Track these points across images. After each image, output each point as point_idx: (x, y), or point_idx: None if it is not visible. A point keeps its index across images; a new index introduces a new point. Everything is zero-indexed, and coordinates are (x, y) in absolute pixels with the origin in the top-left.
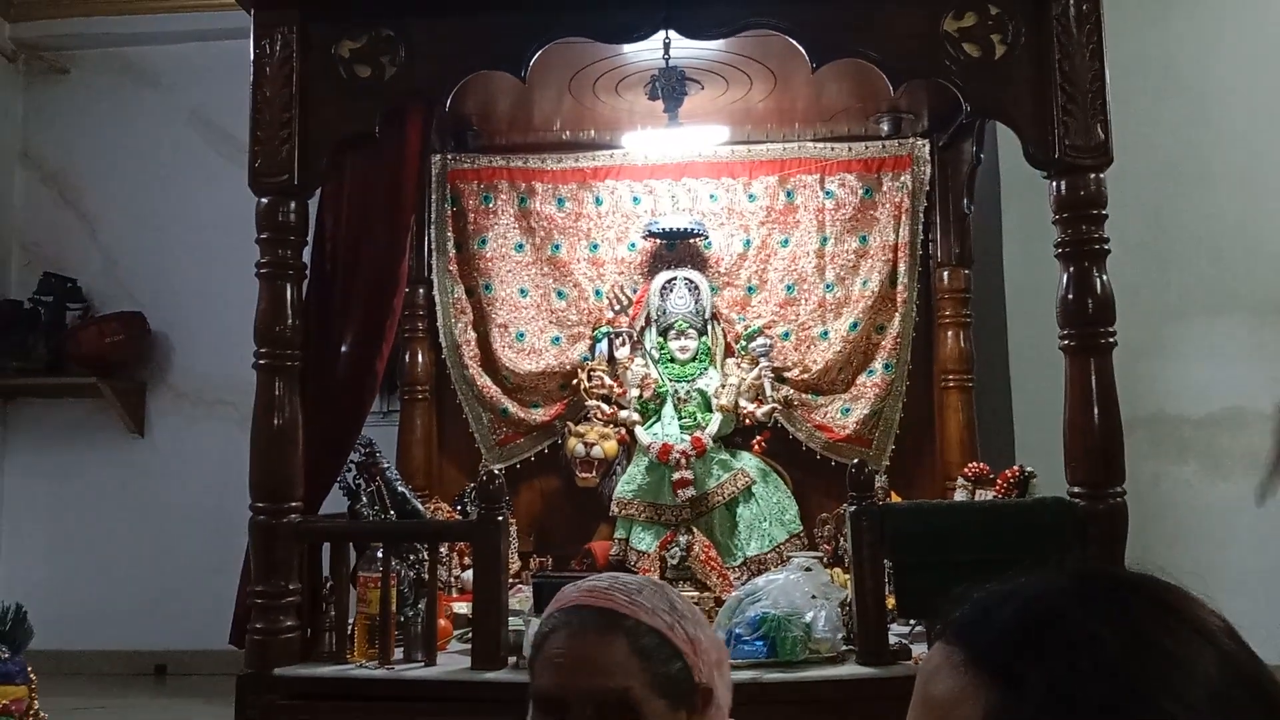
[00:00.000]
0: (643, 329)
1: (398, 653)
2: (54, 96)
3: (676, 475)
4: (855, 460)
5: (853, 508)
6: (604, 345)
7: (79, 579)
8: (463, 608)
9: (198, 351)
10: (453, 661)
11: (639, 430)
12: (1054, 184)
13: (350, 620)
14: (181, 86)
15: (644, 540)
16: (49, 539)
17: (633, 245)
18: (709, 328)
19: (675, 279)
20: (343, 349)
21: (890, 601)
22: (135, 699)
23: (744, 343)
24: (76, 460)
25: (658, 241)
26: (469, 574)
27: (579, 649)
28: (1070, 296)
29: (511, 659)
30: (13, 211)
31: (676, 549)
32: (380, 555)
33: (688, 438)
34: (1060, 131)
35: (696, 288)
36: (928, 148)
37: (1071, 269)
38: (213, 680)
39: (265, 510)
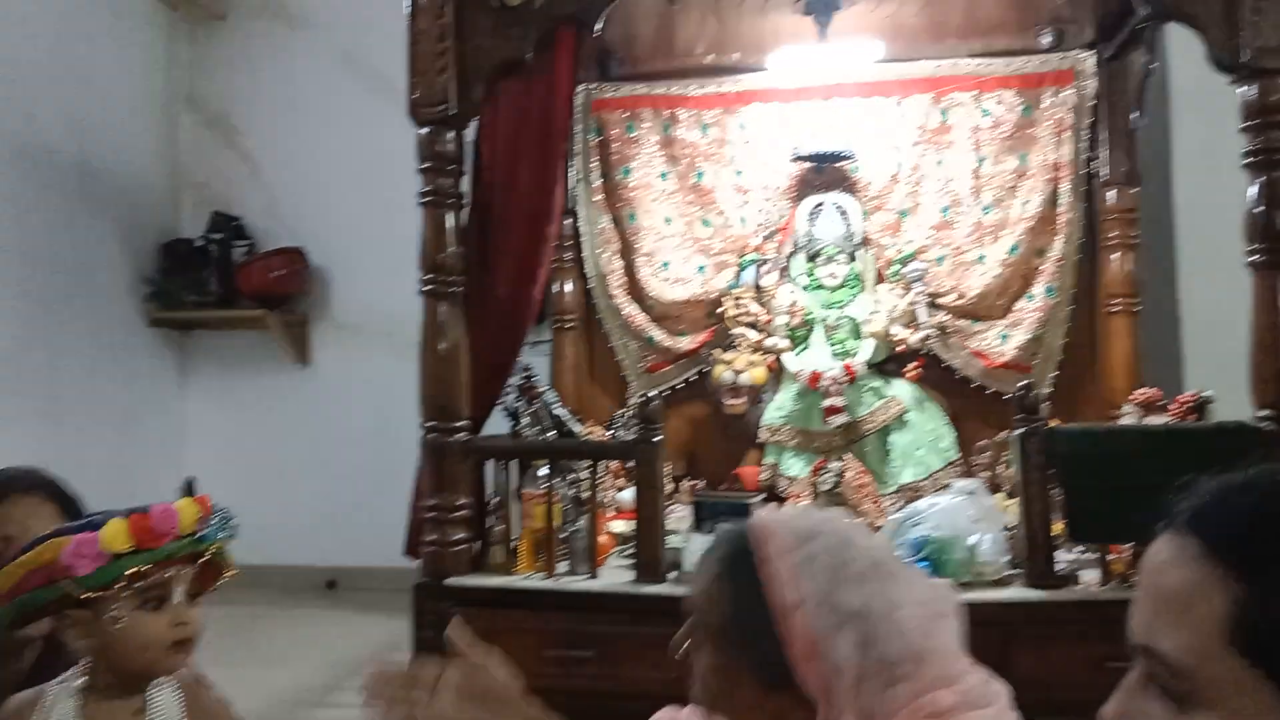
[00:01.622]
0: (790, 255)
1: (561, 566)
2: (213, 42)
3: (827, 402)
4: (1022, 383)
5: (1020, 430)
6: (750, 272)
7: (255, 498)
8: (620, 526)
9: (355, 285)
10: (613, 575)
11: (787, 357)
12: (1241, 89)
13: (515, 536)
14: (333, 28)
15: (794, 466)
16: (227, 461)
17: (779, 170)
18: (859, 253)
19: (823, 203)
20: (501, 275)
21: (1057, 527)
22: (309, 611)
23: (896, 268)
24: (248, 388)
25: (805, 165)
26: (624, 494)
27: (697, 577)
28: (1259, 209)
29: (671, 574)
30: (181, 154)
31: (829, 475)
32: (543, 474)
33: (839, 364)
34: (1249, 33)
35: (845, 212)
36: (1092, 60)
37: (1261, 180)
38: (379, 595)
39: (435, 429)
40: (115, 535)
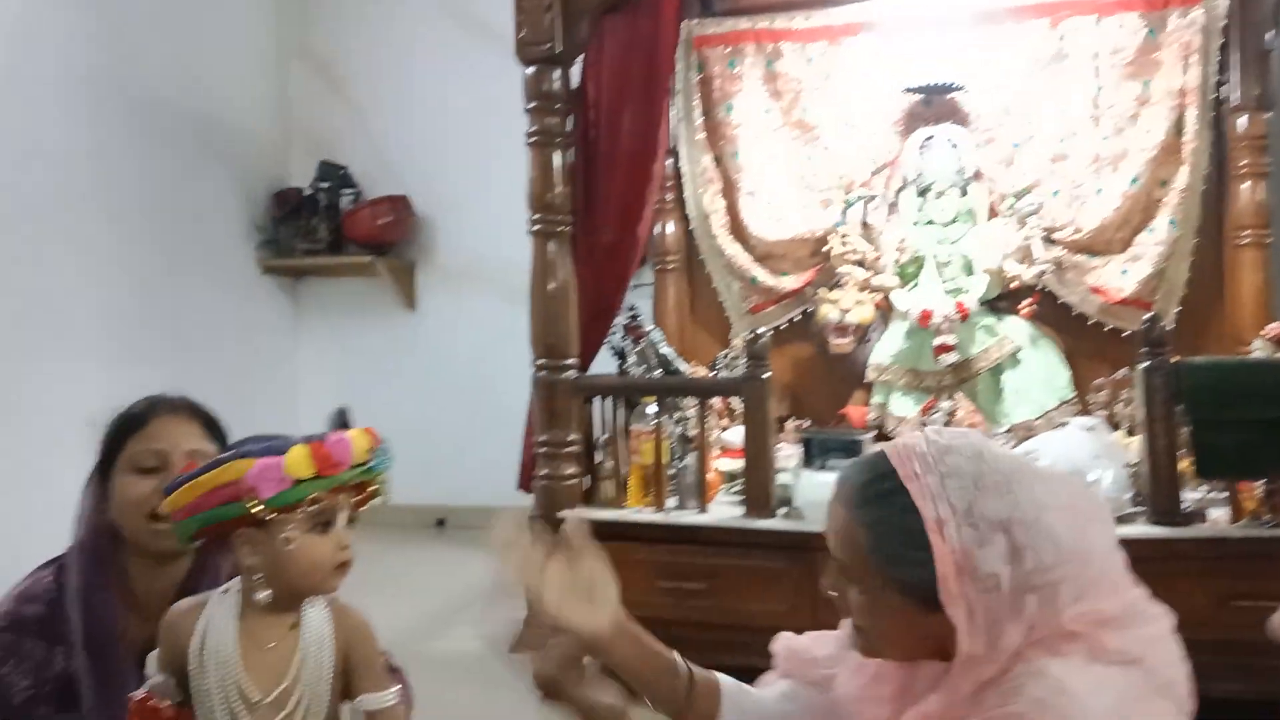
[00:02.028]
0: (899, 191)
1: (670, 502)
2: None
3: (938, 340)
4: (1147, 315)
5: (1145, 364)
6: (857, 209)
7: None
8: (727, 464)
9: (459, 232)
10: (722, 511)
11: (896, 295)
12: None
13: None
14: None
15: (903, 406)
16: (338, 403)
17: (887, 103)
18: (970, 187)
19: (934, 136)
20: (607, 214)
21: (1183, 464)
22: (419, 548)
23: (1010, 202)
24: (357, 333)
25: (914, 98)
26: (728, 434)
27: (835, 510)
28: None
29: (781, 510)
30: (290, 104)
31: (939, 414)
32: (651, 411)
33: (950, 302)
34: None
35: (956, 145)
36: None
37: None
38: (486, 533)
39: (545, 367)
40: (299, 461)
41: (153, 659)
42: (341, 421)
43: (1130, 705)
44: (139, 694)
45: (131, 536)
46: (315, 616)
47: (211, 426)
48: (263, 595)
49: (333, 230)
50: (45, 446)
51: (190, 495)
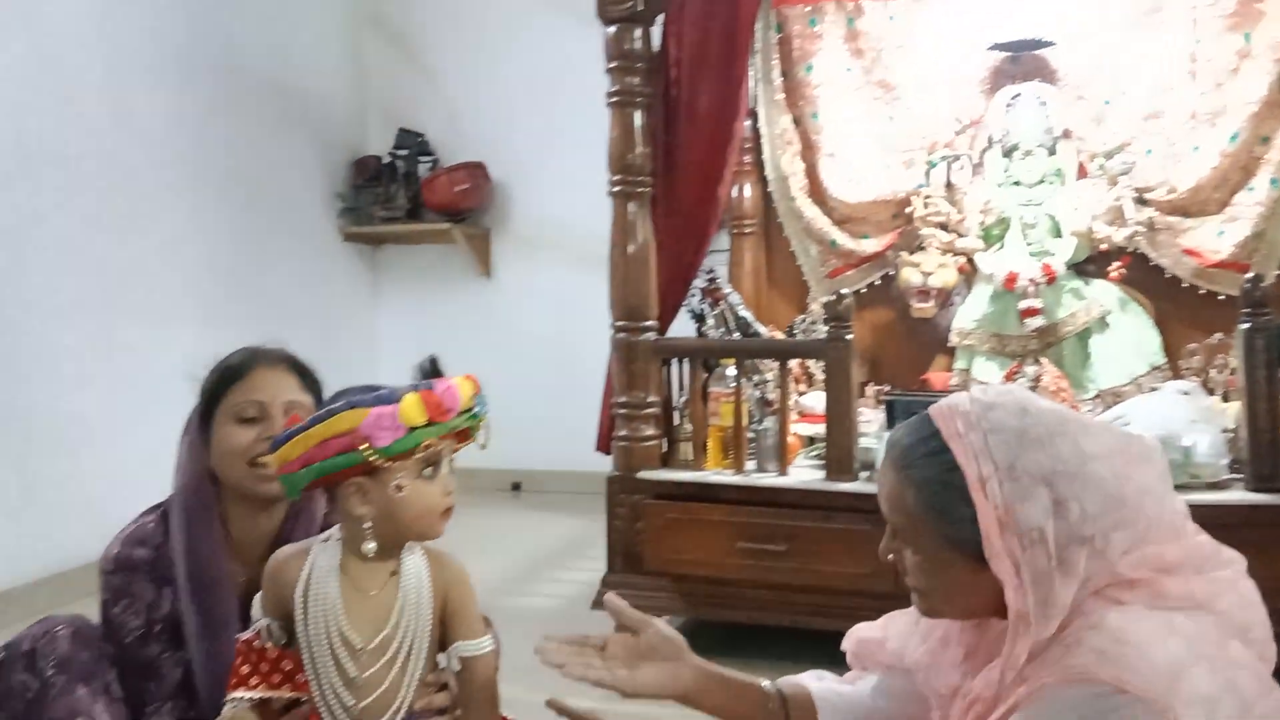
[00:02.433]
0: (984, 151)
1: (748, 465)
2: None
3: (1024, 304)
4: (1249, 276)
5: (1246, 325)
6: (940, 170)
7: None
8: (805, 429)
9: (534, 198)
10: (802, 474)
11: (981, 258)
12: None
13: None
14: None
15: (987, 371)
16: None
17: (971, 61)
18: (1059, 146)
19: (1021, 94)
20: (687, 175)
21: None
22: (496, 511)
23: (1100, 161)
24: (435, 299)
25: (1000, 55)
26: (807, 398)
27: (885, 474)
28: None
29: (863, 474)
30: (367, 72)
31: (1024, 379)
32: (730, 373)
33: (1036, 265)
34: None
35: (1045, 103)
36: None
37: None
38: (560, 496)
39: (625, 328)
40: (412, 409)
41: (258, 602)
42: (432, 368)
43: (1202, 650)
44: (245, 635)
45: (232, 483)
46: (414, 564)
47: (308, 379)
48: (369, 545)
49: (411, 198)
50: (139, 403)
51: (302, 447)
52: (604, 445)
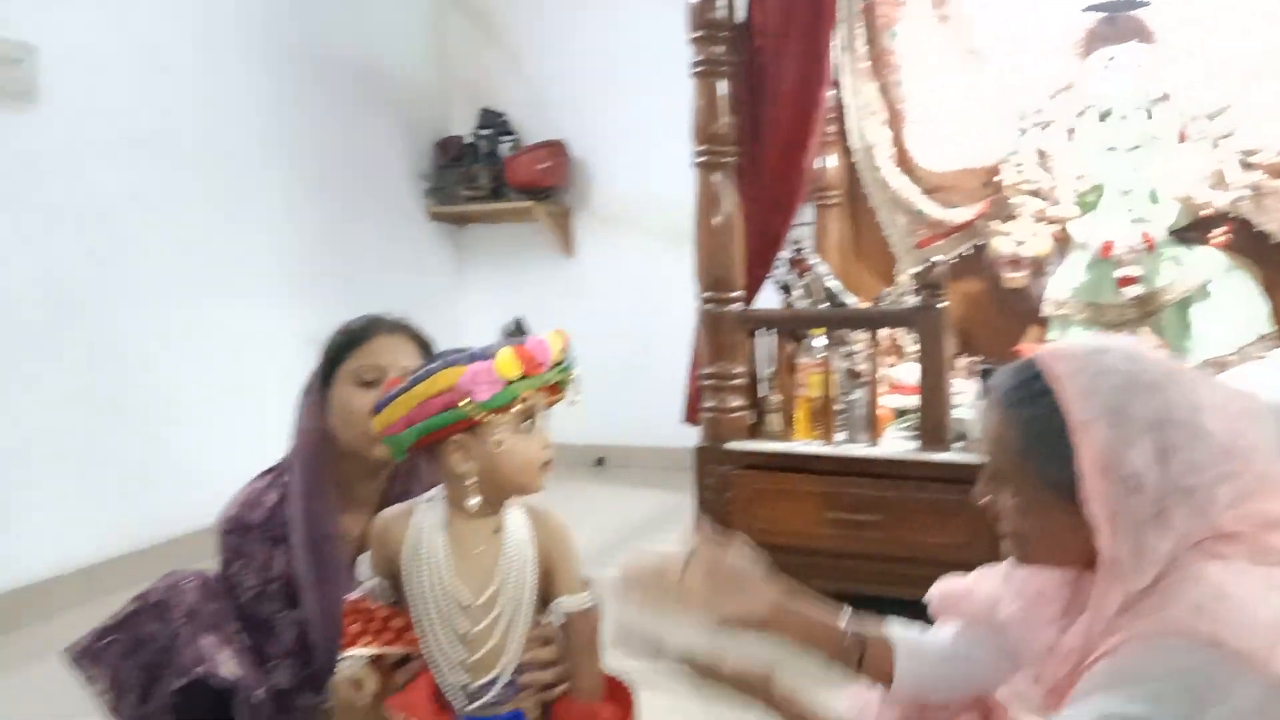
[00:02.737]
0: (1078, 115)
1: (838, 436)
2: None
3: (1121, 272)
4: None
5: None
6: (1032, 136)
7: None
8: (894, 400)
9: (615, 175)
10: (893, 445)
11: (1076, 226)
12: None
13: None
14: None
15: None
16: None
17: (1064, 23)
18: (1157, 109)
19: (1116, 57)
20: (773, 144)
21: None
22: (580, 485)
23: (1202, 124)
24: (518, 278)
25: (1095, 16)
26: (896, 370)
27: (987, 417)
28: None
29: (957, 444)
30: (450, 53)
31: None
32: (818, 344)
33: (1135, 232)
34: None
35: (1142, 65)
36: None
37: None
38: (644, 471)
39: (712, 299)
40: (508, 363)
41: (364, 562)
42: (517, 328)
43: None
44: (354, 596)
45: (349, 445)
46: (516, 521)
47: (425, 348)
48: (473, 501)
49: (494, 177)
50: (237, 379)
51: (405, 408)
52: (692, 416)
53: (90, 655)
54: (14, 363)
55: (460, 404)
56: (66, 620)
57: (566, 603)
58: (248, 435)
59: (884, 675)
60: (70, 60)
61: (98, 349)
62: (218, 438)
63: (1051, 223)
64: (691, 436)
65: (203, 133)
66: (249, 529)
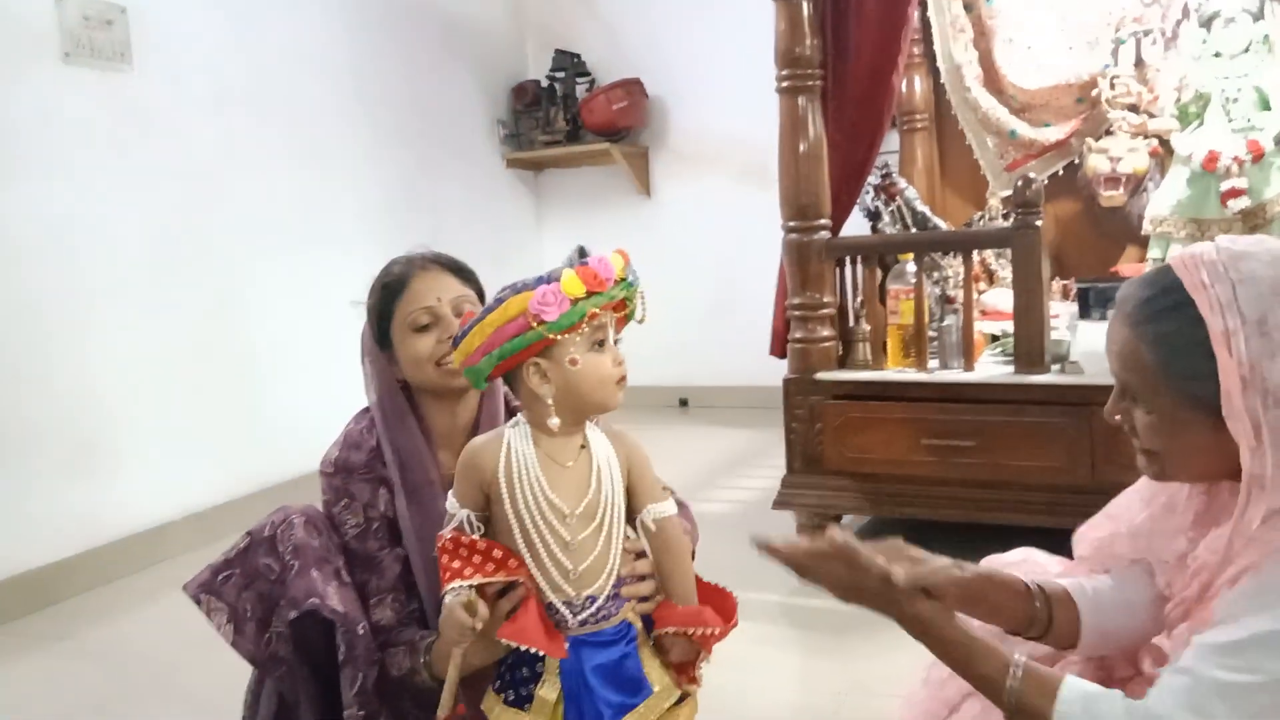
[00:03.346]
0: (1178, 23)
1: (931, 363)
2: None
3: (1226, 184)
4: None
5: None
6: (1129, 47)
7: None
8: (988, 326)
9: (692, 113)
10: (989, 369)
11: (1177, 139)
12: None
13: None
14: None
15: None
16: None
17: None
18: (1267, 9)
19: None
20: (858, 64)
21: None
22: (667, 427)
23: None
24: (596, 221)
25: None
26: (988, 296)
27: (1113, 328)
28: None
29: (1054, 367)
30: None
31: None
32: (909, 269)
33: (1241, 141)
34: None
35: None
36: None
37: None
38: (726, 411)
39: (797, 228)
40: (573, 282)
41: (451, 498)
42: (581, 255)
43: None
44: (446, 532)
45: (425, 386)
46: (598, 438)
47: (463, 272)
48: (553, 421)
49: (570, 120)
50: (329, 327)
51: (480, 338)
52: (778, 349)
53: (209, 589)
54: (121, 315)
55: (533, 327)
56: (184, 561)
57: (654, 509)
58: (344, 382)
59: (1070, 639)
60: (160, 21)
61: (199, 301)
62: (317, 384)
63: (1150, 137)
64: (775, 375)
65: (289, 88)
66: (351, 470)
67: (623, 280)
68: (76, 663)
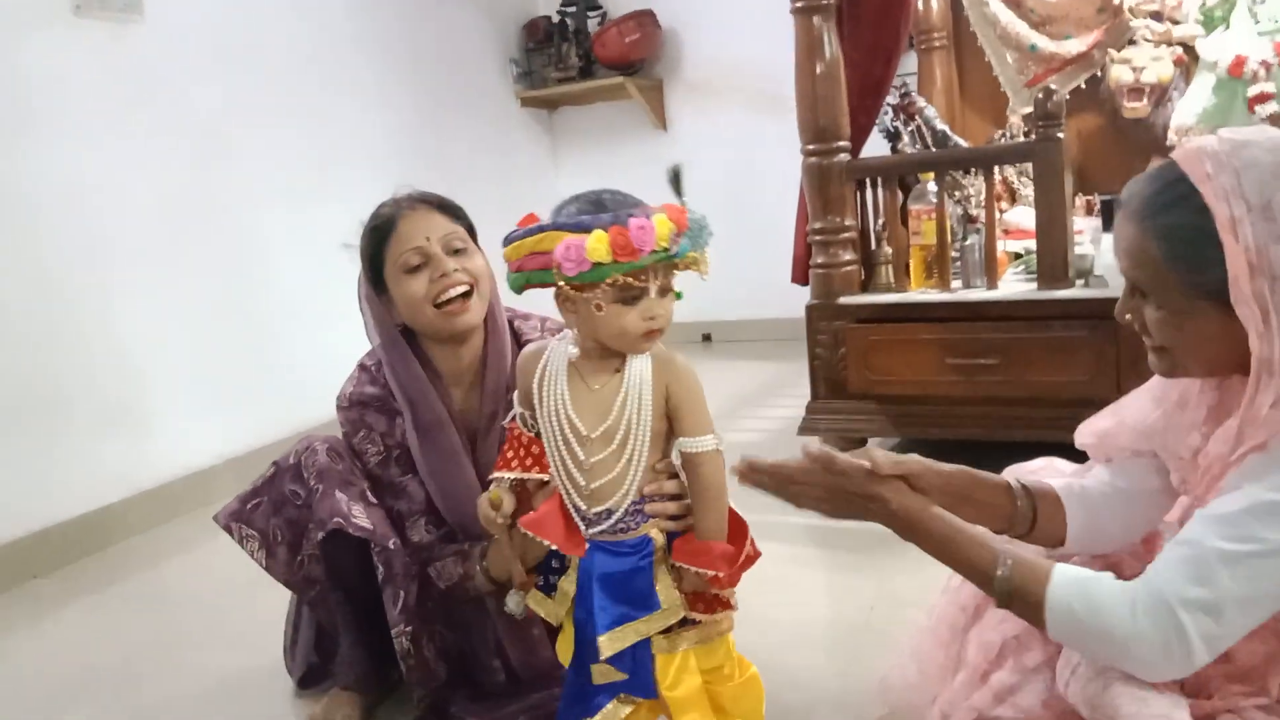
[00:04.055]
0: None
1: (954, 283)
2: None
3: (1254, 90)
4: None
5: None
6: None
7: None
8: (1011, 245)
9: (705, 42)
10: (1013, 286)
11: (1202, 44)
12: None
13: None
14: None
15: None
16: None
17: None
18: None
19: None
20: None
21: None
22: (691, 361)
23: None
24: (612, 157)
25: None
26: (1010, 214)
27: (1120, 227)
28: None
29: (1078, 281)
30: None
31: None
32: (930, 188)
33: (1268, 45)
34: None
35: None
36: None
37: None
38: (748, 345)
39: (816, 151)
40: (598, 246)
41: (516, 395)
42: (674, 179)
43: None
44: (508, 422)
45: (424, 329)
46: (640, 363)
47: (449, 208)
48: (573, 350)
49: (582, 55)
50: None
51: (516, 254)
52: (800, 276)
53: (239, 518)
54: (142, 274)
55: (551, 270)
56: (219, 507)
57: (688, 443)
58: (357, 338)
59: (1056, 536)
60: None
61: (216, 257)
62: (335, 332)
63: (1174, 45)
64: (797, 307)
65: (293, 41)
66: (366, 404)
67: (661, 251)
68: (125, 605)
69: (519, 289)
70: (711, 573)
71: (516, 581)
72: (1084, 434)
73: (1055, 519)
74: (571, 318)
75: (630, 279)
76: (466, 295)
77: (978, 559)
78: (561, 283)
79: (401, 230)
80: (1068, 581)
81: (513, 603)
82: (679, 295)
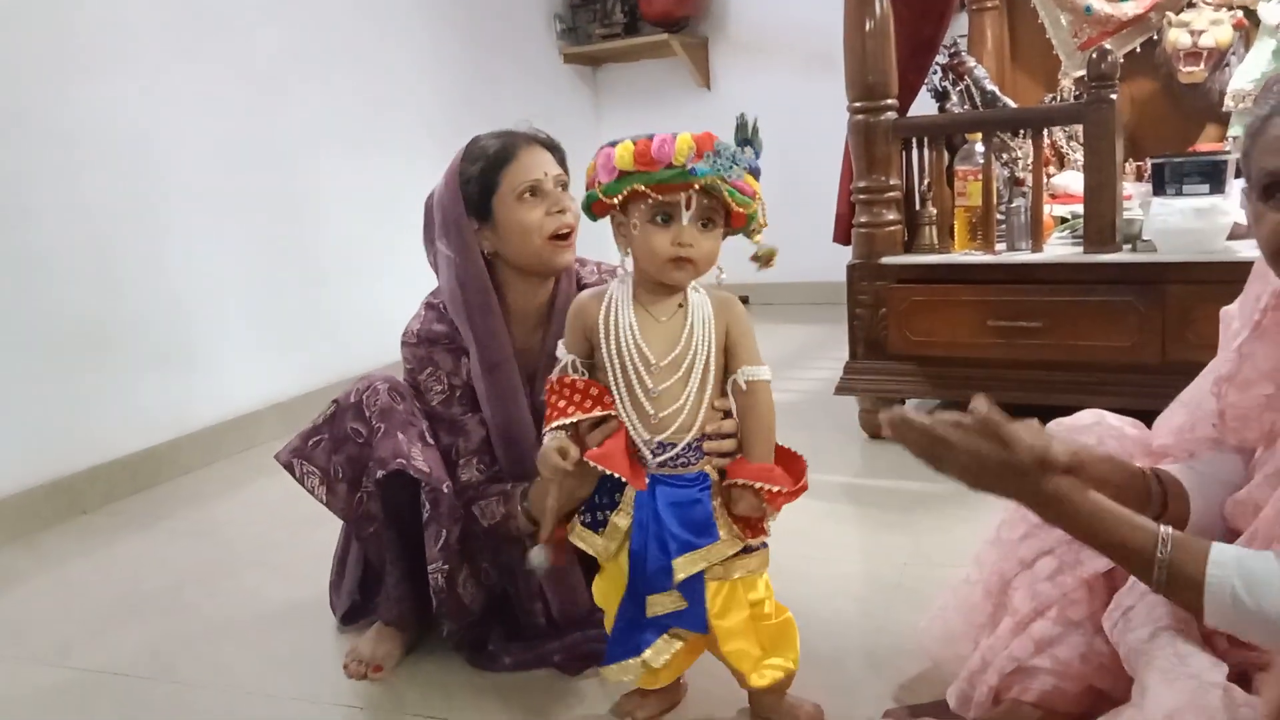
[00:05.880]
0: None
1: (999, 246)
2: None
3: None
4: None
5: None
6: None
7: None
8: (1058, 209)
9: (750, 1)
10: (1059, 249)
11: (1265, 8)
12: None
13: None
14: None
15: None
16: None
17: None
18: None
19: None
20: None
21: None
22: None
23: None
24: (656, 115)
25: None
26: (1057, 178)
27: (1271, 123)
28: None
29: (1126, 246)
30: None
31: None
32: (978, 149)
33: None
34: None
35: None
36: None
37: None
38: (786, 308)
39: (863, 109)
40: (623, 154)
41: (560, 345)
42: (740, 128)
43: None
44: (555, 374)
45: (524, 259)
46: (700, 300)
47: (558, 151)
48: (623, 270)
49: (627, 11)
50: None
51: (588, 174)
52: (842, 235)
53: (300, 454)
54: (191, 214)
55: (593, 186)
56: (270, 449)
57: (748, 371)
58: (410, 277)
59: (1181, 518)
60: None
61: (270, 203)
62: (385, 280)
63: (1234, 9)
64: (837, 270)
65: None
66: (435, 341)
67: (678, 167)
68: (174, 539)
69: (586, 207)
70: (775, 488)
71: (545, 531)
72: (1160, 433)
73: (1181, 499)
74: (622, 242)
75: (656, 194)
76: (569, 234)
77: (1140, 542)
78: (596, 194)
79: (522, 160)
80: (1227, 560)
81: (536, 558)
82: (770, 253)
